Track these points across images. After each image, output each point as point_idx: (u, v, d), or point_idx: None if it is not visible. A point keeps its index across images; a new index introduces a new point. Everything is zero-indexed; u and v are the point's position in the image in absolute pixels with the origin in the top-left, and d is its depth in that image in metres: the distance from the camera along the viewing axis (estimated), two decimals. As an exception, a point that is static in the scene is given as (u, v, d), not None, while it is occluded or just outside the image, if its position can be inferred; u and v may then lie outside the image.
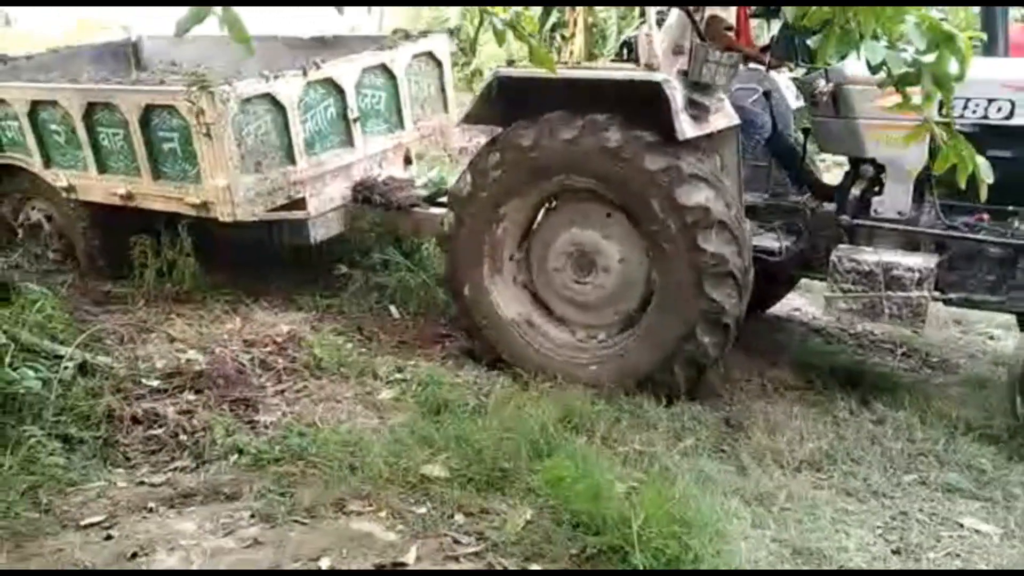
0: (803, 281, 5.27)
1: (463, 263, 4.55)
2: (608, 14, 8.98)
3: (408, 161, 5.75)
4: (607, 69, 4.14)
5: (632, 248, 4.25)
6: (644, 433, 3.91)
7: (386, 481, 3.44)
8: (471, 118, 4.47)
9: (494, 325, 4.56)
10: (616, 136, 3.96)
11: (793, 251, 4.38)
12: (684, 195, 3.90)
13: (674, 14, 4.16)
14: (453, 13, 7.10)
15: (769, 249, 4.37)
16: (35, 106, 5.42)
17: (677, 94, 3.90)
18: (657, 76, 3.94)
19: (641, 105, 3.96)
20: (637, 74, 4.00)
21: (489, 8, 2.67)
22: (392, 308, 5.25)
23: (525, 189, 4.34)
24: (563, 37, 9.36)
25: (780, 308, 5.49)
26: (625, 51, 4.94)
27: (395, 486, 3.41)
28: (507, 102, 4.31)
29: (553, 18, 9.16)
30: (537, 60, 2.67)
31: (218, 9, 2.64)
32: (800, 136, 4.66)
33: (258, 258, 5.75)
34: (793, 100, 4.63)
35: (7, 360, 3.76)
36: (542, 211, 4.52)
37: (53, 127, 5.43)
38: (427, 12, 9.05)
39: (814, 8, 2.25)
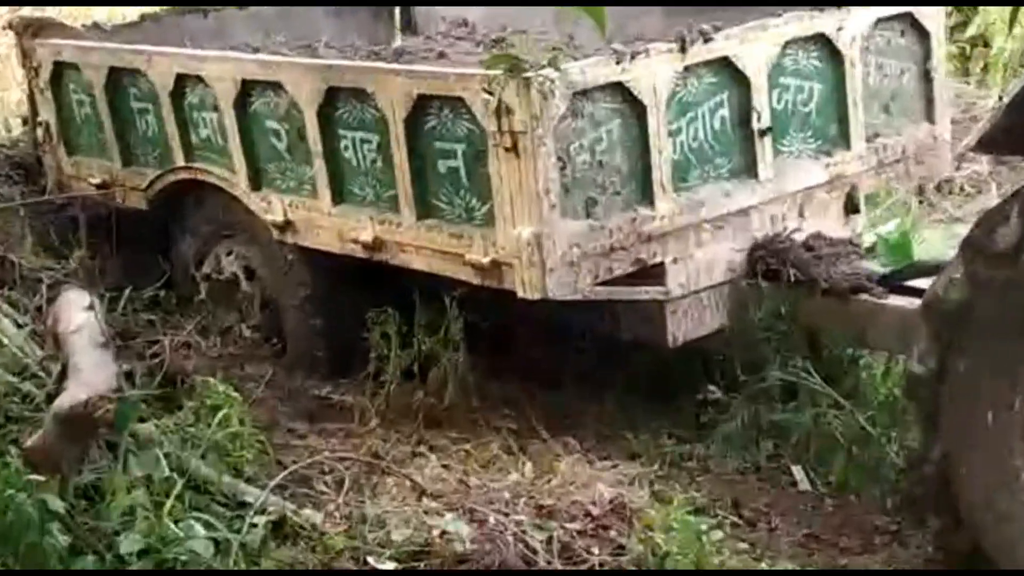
0: None
1: (960, 414, 4.27)
2: None
3: (852, 208, 5.72)
4: None
5: None
6: None
7: None
8: (994, 142, 4.22)
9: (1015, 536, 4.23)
10: None
11: None
12: None
13: None
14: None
15: None
16: (247, 89, 5.97)
17: None
18: None
19: None
20: None
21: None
22: (796, 471, 5.30)
23: None
24: None
25: None
26: None
27: None
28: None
29: None
30: None
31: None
32: None
33: (571, 362, 5.89)
34: None
35: (168, 504, 4.11)
36: None
37: (271, 125, 5.94)
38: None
39: None
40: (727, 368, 5.57)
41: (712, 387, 5.49)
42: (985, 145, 4.34)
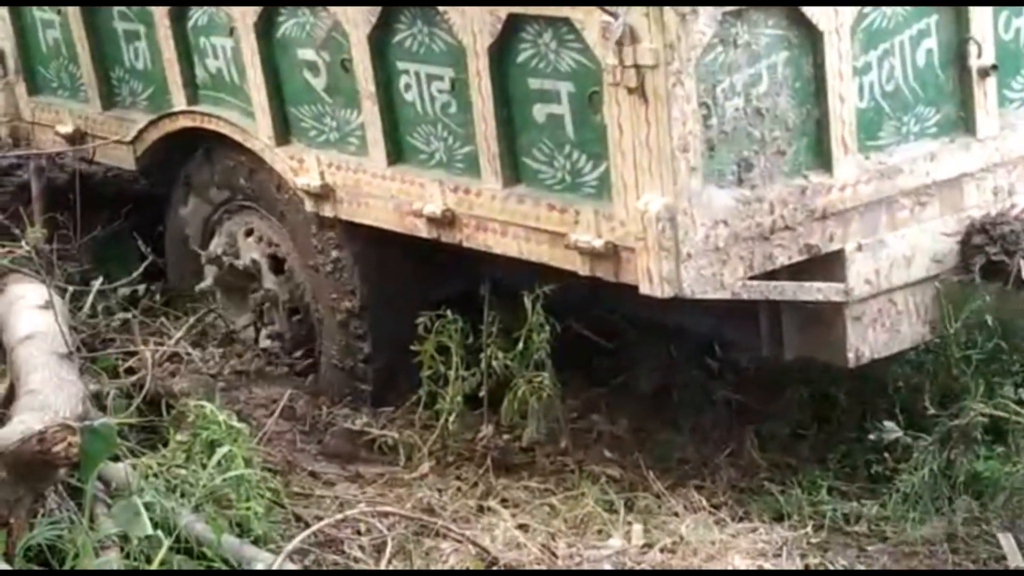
0: None
1: None
2: None
3: None
4: None
5: None
6: None
7: None
8: None
9: None
10: None
11: None
12: None
13: None
14: None
15: None
16: (273, 6, 5.87)
17: None
18: None
19: None
20: None
21: None
22: (1004, 540, 5.21)
23: None
24: None
25: None
26: None
27: None
28: None
29: None
30: None
31: None
32: None
33: (698, 388, 5.94)
34: None
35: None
36: None
37: (305, 56, 5.85)
38: None
39: None
40: (913, 399, 5.54)
41: (890, 425, 5.44)
42: None
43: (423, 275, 5.92)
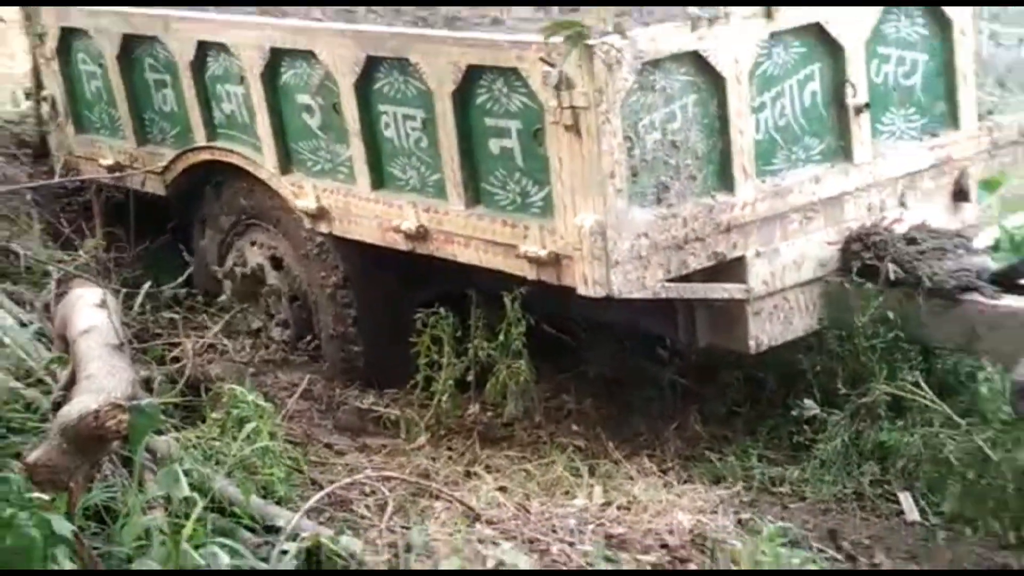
0: None
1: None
2: None
3: (962, 195, 5.69)
4: None
5: None
6: None
7: None
8: None
9: None
10: None
11: None
12: None
13: None
14: None
15: None
16: (277, 60, 5.99)
17: None
18: None
19: None
20: None
21: None
22: (904, 499, 5.27)
23: None
24: None
25: None
26: None
27: None
28: None
29: None
30: None
31: None
32: None
33: (648, 373, 5.91)
34: None
35: (188, 528, 4.06)
36: None
37: (303, 100, 5.96)
38: None
39: None
40: (826, 381, 5.56)
41: (808, 402, 5.44)
42: None
43: (407, 275, 5.99)
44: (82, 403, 4.02)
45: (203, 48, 6.27)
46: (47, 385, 4.84)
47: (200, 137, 6.47)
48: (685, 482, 5.32)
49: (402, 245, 5.70)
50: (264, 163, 6.18)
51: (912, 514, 5.17)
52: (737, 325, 5.32)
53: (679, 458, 5.61)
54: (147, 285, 6.36)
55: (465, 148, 5.35)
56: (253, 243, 6.57)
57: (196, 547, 4.00)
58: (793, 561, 4.63)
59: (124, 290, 6.23)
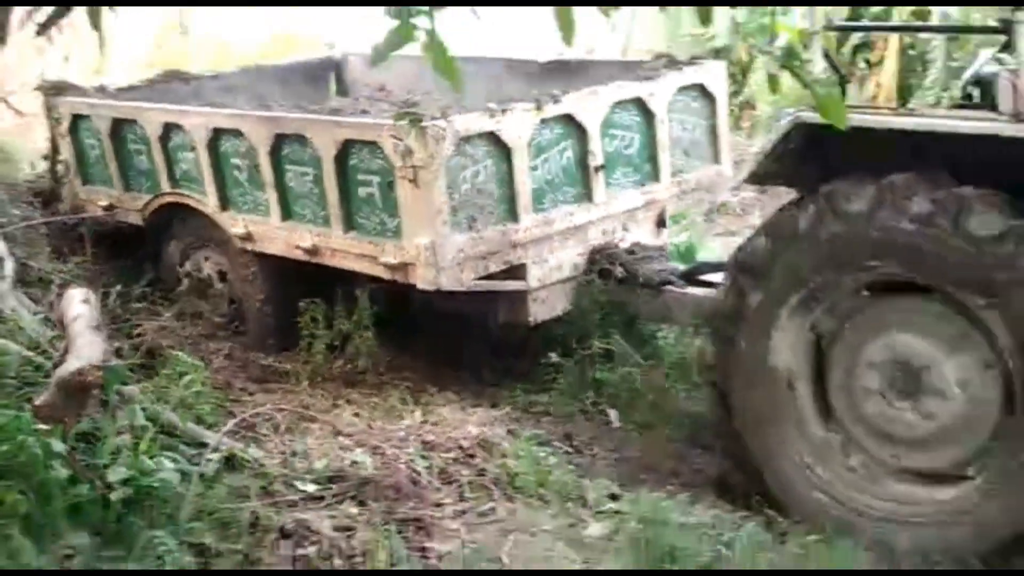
0: None
1: (744, 364, 4.24)
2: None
3: (661, 223, 5.69)
4: (956, 118, 3.91)
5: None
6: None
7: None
8: (759, 176, 4.24)
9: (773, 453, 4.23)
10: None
11: None
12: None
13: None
14: (720, 29, 6.86)
15: None
16: (217, 135, 5.75)
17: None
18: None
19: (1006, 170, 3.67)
20: (1007, 128, 3.70)
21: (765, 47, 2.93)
22: (612, 413, 5.25)
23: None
24: (867, 63, 8.91)
25: None
26: (975, 92, 4.44)
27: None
28: (807, 155, 4.08)
29: (855, 39, 8.74)
30: (825, 109, 2.79)
31: (421, 33, 2.58)
32: None
33: (454, 338, 5.81)
34: None
35: (144, 445, 3.91)
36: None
37: (235, 161, 5.73)
38: (685, 29, 8.92)
39: None
40: (565, 340, 5.50)
41: (553, 354, 5.38)
42: (752, 179, 4.37)
43: (303, 278, 5.69)
44: (72, 365, 3.95)
45: (167, 127, 5.97)
46: (50, 354, 4.61)
47: (166, 186, 6.16)
48: (475, 407, 5.24)
49: (303, 257, 5.50)
50: (209, 204, 5.91)
51: (617, 423, 5.17)
52: (522, 307, 5.24)
53: (472, 392, 5.48)
54: (118, 287, 6.05)
55: (343, 193, 5.20)
56: (207, 258, 6.25)
57: (151, 457, 3.87)
58: (542, 454, 4.64)
59: (104, 290, 5.90)
